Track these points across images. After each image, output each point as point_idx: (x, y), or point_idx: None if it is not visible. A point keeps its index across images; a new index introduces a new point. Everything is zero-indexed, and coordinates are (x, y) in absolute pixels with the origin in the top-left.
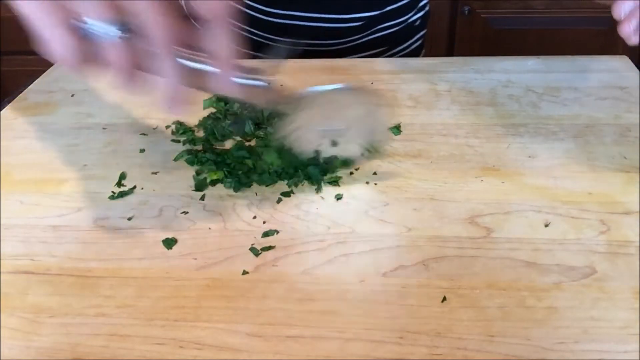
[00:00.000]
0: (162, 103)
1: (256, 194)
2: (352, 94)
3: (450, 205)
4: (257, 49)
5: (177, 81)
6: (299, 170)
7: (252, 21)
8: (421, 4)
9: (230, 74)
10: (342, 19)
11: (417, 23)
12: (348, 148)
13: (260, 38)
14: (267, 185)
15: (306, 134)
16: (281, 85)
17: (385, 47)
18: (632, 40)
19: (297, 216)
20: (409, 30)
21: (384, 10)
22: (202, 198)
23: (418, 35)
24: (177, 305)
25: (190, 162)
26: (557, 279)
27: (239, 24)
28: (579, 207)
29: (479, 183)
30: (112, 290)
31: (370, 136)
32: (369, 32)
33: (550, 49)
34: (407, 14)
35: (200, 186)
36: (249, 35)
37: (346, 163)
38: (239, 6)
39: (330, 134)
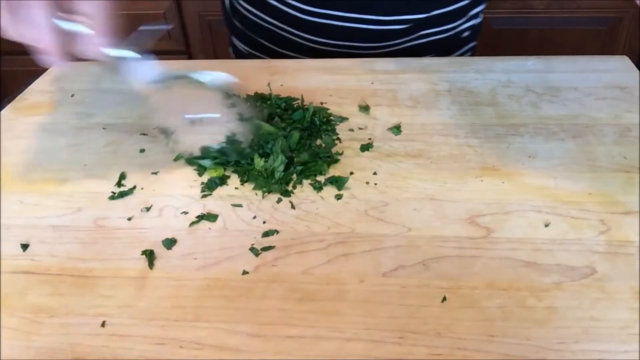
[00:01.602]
0: (35, 55)
1: (256, 194)
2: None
3: (450, 205)
4: (293, 49)
5: (48, 34)
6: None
7: (290, 20)
8: (473, 12)
9: (102, 38)
10: (383, 20)
11: (466, 34)
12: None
13: (298, 38)
14: (262, 190)
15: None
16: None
17: (428, 55)
18: None
19: (297, 216)
20: (456, 40)
21: (430, 14)
22: (202, 198)
23: (466, 48)
24: (177, 305)
25: (190, 162)
26: (557, 279)
27: (277, 22)
28: (579, 207)
29: (479, 183)
30: (112, 290)
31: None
32: (411, 37)
33: (550, 49)
34: (455, 22)
35: (207, 187)
36: (286, 35)
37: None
38: (277, 4)
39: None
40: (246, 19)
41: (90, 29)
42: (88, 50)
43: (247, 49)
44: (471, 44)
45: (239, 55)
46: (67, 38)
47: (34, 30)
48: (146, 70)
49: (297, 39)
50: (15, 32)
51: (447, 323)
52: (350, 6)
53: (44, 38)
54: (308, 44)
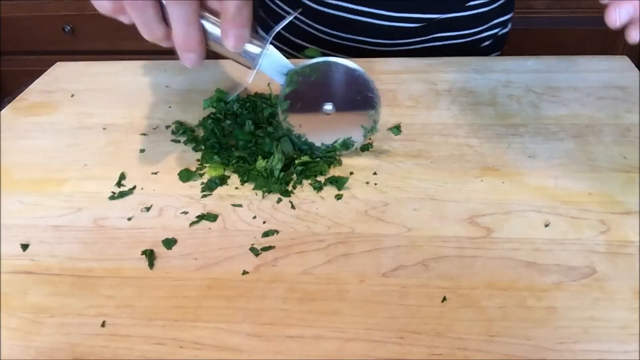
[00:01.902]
0: (177, 51)
1: (256, 194)
2: (336, 68)
3: (450, 205)
4: (308, 40)
5: (188, 30)
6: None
7: (304, 9)
8: (496, 20)
9: (237, 32)
10: (394, 17)
11: (488, 43)
12: (347, 128)
13: (311, 28)
14: (263, 191)
15: (302, 110)
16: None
17: None
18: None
19: (297, 216)
20: (474, 48)
21: (444, 16)
22: (202, 198)
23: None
24: (177, 305)
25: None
26: (557, 279)
27: (292, 11)
28: (579, 207)
29: (479, 183)
30: (112, 290)
31: (365, 113)
32: (425, 38)
33: (550, 49)
34: (473, 28)
35: (207, 187)
36: (301, 25)
37: (346, 145)
38: None
39: (326, 111)
40: (268, 9)
41: (228, 25)
42: (228, 45)
43: None
44: (492, 55)
45: None
46: (204, 36)
47: (179, 28)
48: (282, 62)
49: (311, 30)
50: (151, 34)
51: (447, 323)
52: None
53: (190, 35)
54: (321, 35)
